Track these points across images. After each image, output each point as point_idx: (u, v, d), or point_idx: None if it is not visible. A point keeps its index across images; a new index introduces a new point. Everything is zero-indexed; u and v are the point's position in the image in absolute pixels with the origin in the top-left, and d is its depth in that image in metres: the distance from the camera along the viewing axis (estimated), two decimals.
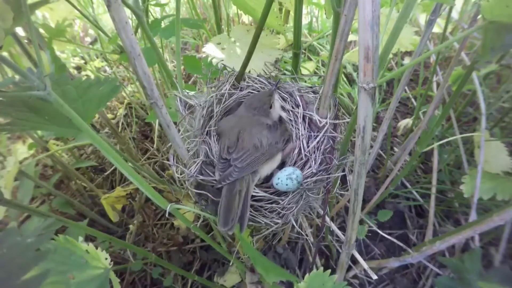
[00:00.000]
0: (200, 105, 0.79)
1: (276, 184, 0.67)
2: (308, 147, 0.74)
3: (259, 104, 0.76)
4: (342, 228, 1.16)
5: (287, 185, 0.65)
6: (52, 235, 0.60)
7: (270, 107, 0.76)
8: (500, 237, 0.96)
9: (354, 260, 0.90)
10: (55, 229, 0.54)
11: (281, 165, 0.74)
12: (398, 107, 1.58)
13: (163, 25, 0.94)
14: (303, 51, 1.43)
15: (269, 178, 0.72)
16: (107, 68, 1.78)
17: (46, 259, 0.39)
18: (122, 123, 1.58)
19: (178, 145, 0.71)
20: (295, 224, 0.71)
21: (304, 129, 0.77)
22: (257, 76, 0.85)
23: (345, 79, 1.48)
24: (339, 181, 0.82)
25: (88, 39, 1.67)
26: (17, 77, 0.44)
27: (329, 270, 0.61)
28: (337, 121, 0.75)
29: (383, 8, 0.86)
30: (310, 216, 0.82)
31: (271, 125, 0.75)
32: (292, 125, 0.80)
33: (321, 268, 0.62)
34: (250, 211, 0.68)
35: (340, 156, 0.74)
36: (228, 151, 0.70)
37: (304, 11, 1.51)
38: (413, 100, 1.56)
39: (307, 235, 0.93)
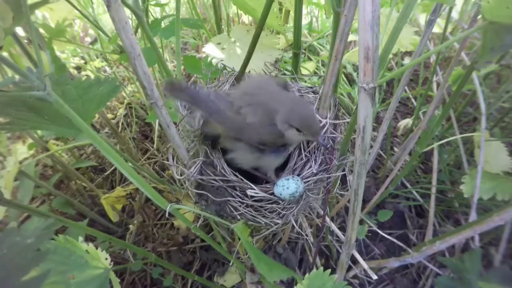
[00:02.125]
0: None
1: (275, 188, 0.68)
2: (308, 147, 0.74)
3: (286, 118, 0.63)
4: (342, 228, 1.16)
5: (281, 194, 0.66)
6: (52, 235, 0.60)
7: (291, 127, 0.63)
8: (500, 237, 0.96)
9: (354, 260, 0.90)
10: (55, 229, 0.54)
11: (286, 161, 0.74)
12: (398, 107, 1.58)
13: (163, 25, 0.94)
14: (303, 51, 1.43)
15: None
16: (107, 68, 1.77)
17: (46, 260, 0.39)
18: (122, 123, 1.58)
19: (178, 145, 0.71)
20: (295, 224, 0.71)
21: None
22: None
23: (345, 79, 1.48)
24: (339, 181, 0.82)
25: (88, 39, 1.67)
26: (17, 77, 0.43)
27: (329, 270, 0.61)
28: (337, 121, 0.75)
29: (383, 8, 0.86)
30: (310, 216, 0.82)
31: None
32: None
33: (321, 268, 0.62)
34: (250, 211, 0.69)
35: (340, 156, 0.74)
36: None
37: (304, 11, 1.51)
38: (413, 100, 1.56)
39: (307, 235, 0.93)
